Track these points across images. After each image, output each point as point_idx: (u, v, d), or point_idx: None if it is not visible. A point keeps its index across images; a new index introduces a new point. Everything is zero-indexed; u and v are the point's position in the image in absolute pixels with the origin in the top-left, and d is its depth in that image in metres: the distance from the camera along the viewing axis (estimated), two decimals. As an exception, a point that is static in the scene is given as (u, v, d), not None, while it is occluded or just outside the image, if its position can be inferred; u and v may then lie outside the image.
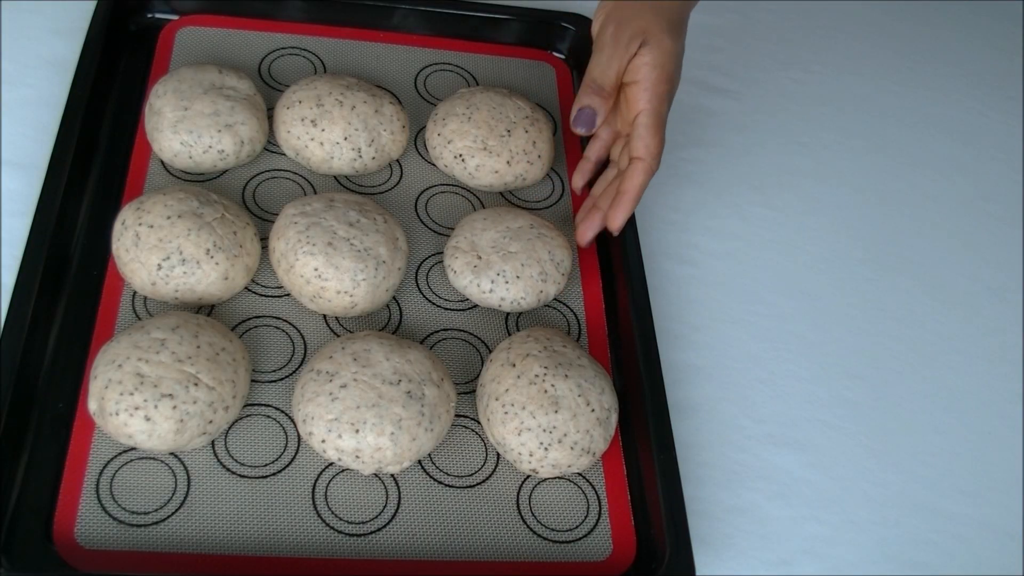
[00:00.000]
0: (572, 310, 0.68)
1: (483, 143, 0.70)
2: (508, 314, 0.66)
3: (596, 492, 0.60)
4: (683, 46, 0.66)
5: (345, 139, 0.68)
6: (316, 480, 0.57)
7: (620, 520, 0.59)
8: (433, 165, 0.73)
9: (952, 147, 0.91)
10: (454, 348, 0.64)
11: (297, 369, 0.61)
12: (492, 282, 0.64)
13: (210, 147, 0.66)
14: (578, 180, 0.72)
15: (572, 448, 0.57)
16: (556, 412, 0.57)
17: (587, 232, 0.69)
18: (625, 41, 0.64)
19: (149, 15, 0.76)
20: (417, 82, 0.78)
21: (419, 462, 0.59)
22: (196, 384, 0.54)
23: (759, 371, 0.70)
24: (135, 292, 0.61)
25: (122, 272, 0.60)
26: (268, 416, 0.58)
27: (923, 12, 1.03)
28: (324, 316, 0.63)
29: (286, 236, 0.61)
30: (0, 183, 0.65)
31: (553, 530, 0.58)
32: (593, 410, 0.58)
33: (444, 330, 0.65)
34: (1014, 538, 0.66)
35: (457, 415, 0.61)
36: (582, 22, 0.82)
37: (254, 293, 0.63)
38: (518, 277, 0.64)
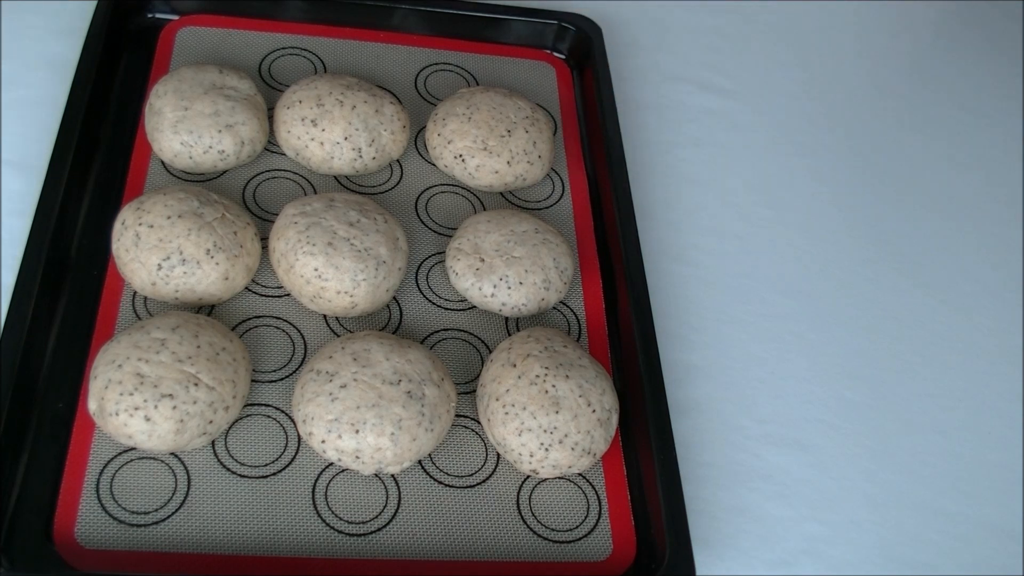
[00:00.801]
0: (572, 310, 0.68)
1: (483, 143, 0.70)
2: (508, 314, 0.67)
3: (596, 492, 0.60)
4: None
5: (345, 139, 0.68)
6: (316, 480, 0.57)
7: (620, 520, 0.59)
8: (433, 165, 0.73)
9: (952, 147, 0.91)
10: (454, 348, 0.64)
11: (297, 369, 0.61)
12: (495, 287, 0.64)
13: (210, 147, 0.66)
14: None
15: (573, 449, 0.57)
16: (557, 413, 0.57)
17: None
18: None
19: (149, 15, 0.76)
20: (417, 82, 0.78)
21: (419, 462, 0.59)
22: (196, 384, 0.54)
23: (759, 371, 0.70)
24: (135, 292, 0.61)
25: (122, 272, 0.60)
26: (268, 416, 0.58)
27: (923, 12, 1.03)
28: (324, 316, 0.63)
29: (286, 236, 0.61)
30: (0, 183, 0.65)
31: (553, 530, 0.58)
32: (594, 411, 0.58)
33: (444, 330, 0.65)
34: (1014, 538, 0.66)
35: (457, 415, 0.61)
36: (582, 22, 0.82)
37: (254, 293, 0.63)
38: (521, 283, 0.64)
